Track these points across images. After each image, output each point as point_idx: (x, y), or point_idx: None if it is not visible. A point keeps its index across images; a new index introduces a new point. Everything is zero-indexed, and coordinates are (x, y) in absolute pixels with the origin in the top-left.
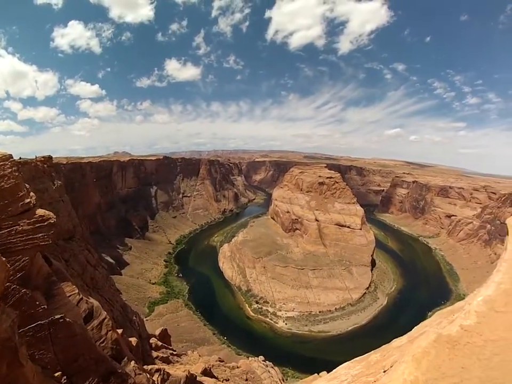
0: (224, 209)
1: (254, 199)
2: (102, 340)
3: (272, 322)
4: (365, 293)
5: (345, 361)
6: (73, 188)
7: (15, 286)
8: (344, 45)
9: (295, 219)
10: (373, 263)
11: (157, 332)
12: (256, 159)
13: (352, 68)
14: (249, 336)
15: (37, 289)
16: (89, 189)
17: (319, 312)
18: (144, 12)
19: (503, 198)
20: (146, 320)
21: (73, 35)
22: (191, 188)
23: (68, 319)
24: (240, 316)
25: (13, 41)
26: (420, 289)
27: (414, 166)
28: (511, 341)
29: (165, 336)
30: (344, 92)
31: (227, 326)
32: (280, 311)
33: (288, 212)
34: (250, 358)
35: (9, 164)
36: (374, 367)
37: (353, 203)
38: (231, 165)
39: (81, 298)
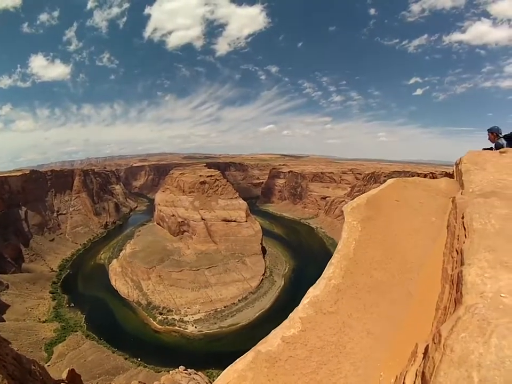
0: (106, 222)
1: (136, 207)
2: None
3: (182, 329)
4: (262, 279)
5: None
6: None
7: None
8: (222, 46)
9: (182, 221)
10: (264, 251)
11: (64, 375)
12: (134, 164)
13: (228, 69)
14: (163, 350)
15: None
16: None
17: (224, 307)
18: None
19: (367, 177)
20: (48, 365)
21: None
22: (66, 203)
23: None
24: (147, 332)
25: None
26: (311, 264)
27: (289, 158)
28: (341, 344)
29: (74, 377)
30: (220, 91)
31: (137, 347)
32: (187, 316)
33: (173, 215)
34: (171, 372)
35: None
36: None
37: (236, 198)
38: (107, 173)
39: None
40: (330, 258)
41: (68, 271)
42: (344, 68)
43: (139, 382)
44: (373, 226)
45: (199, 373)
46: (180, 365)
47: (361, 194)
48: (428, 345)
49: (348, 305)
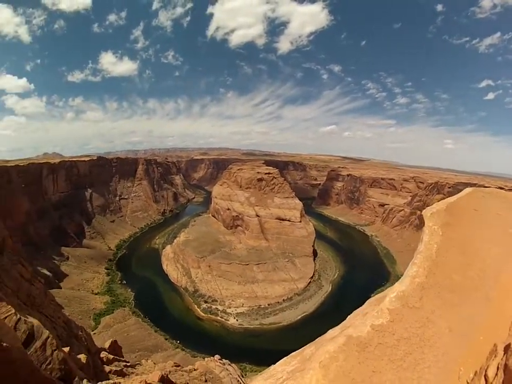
0: (164, 209)
1: (194, 198)
2: (48, 362)
3: (223, 320)
4: (310, 282)
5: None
6: None
7: None
8: (284, 45)
9: (236, 216)
10: (315, 253)
11: (107, 345)
12: (195, 157)
13: (290, 67)
14: (202, 337)
15: None
16: (17, 196)
17: (268, 304)
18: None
19: (430, 187)
20: (94, 333)
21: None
22: (128, 189)
23: (4, 344)
24: (190, 318)
25: None
26: (361, 273)
27: (348, 161)
28: (426, 337)
29: (115, 348)
30: (282, 90)
31: (178, 330)
32: (230, 308)
33: (228, 209)
34: (206, 359)
35: None
36: (309, 361)
37: (292, 197)
38: (169, 163)
39: (19, 319)
40: (383, 269)
41: (124, 251)
42: (410, 68)
43: (174, 362)
44: (452, 232)
45: (233, 364)
46: (216, 354)
47: (423, 204)
48: (509, 343)
49: (431, 303)
